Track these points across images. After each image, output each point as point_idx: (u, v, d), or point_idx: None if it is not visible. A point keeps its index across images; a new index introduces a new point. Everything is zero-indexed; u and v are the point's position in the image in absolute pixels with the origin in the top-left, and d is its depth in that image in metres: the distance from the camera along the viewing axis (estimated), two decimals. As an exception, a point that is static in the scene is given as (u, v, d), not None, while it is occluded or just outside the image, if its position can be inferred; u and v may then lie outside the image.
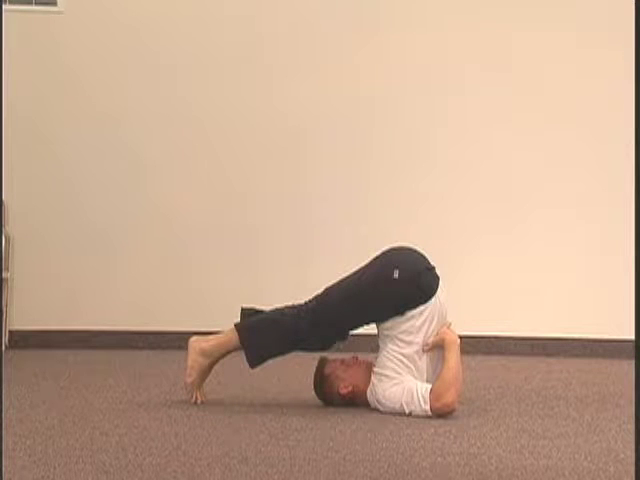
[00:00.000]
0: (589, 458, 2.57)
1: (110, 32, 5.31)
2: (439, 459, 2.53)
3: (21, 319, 5.24)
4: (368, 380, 3.30)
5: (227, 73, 5.33)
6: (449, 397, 3.15)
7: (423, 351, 3.24)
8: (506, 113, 5.28)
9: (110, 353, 5.08)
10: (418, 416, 3.16)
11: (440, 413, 3.16)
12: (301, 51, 5.31)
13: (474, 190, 5.29)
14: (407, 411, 3.18)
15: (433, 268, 3.34)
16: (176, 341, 5.02)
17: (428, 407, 3.15)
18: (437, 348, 3.26)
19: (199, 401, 3.37)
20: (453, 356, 3.22)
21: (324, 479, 2.28)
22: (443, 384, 3.17)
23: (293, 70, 5.30)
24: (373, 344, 3.37)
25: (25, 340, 5.20)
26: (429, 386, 3.19)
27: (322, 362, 3.40)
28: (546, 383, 4.09)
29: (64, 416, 3.10)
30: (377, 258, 3.38)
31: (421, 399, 3.16)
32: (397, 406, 3.19)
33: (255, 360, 3.37)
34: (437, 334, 3.26)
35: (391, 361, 3.24)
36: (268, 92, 5.31)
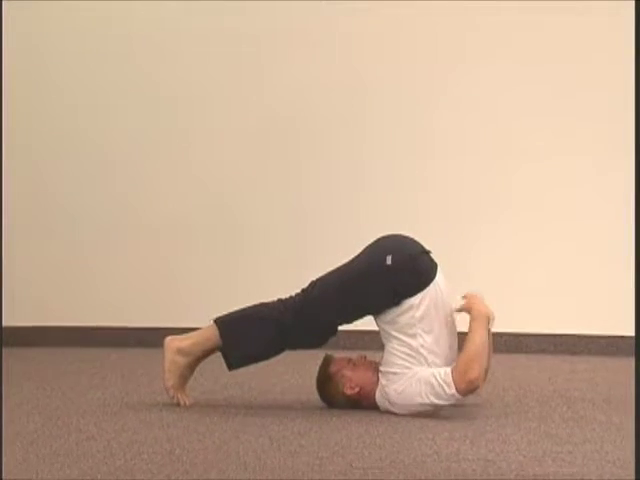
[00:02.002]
0: (617, 464, 2.57)
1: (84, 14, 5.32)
2: (454, 465, 2.53)
3: (-1, 315, 5.24)
4: (376, 381, 3.30)
5: (216, 59, 5.31)
6: (472, 373, 3.11)
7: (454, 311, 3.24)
8: (513, 92, 5.25)
9: (97, 351, 5.09)
10: (444, 407, 3.16)
11: (467, 393, 3.15)
12: (294, 34, 5.29)
13: (480, 179, 5.27)
14: (430, 403, 3.15)
15: (429, 252, 3.34)
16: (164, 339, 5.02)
17: (454, 390, 3.12)
18: (453, 333, 3.25)
19: (187, 403, 3.35)
20: (479, 329, 3.20)
21: (329, 487, 2.29)
22: (465, 359, 3.14)
23: (284, 56, 5.29)
24: (380, 342, 3.37)
25: (4, 338, 5.21)
26: (448, 368, 3.17)
27: (327, 360, 3.39)
28: (570, 384, 4.09)
29: (47, 419, 3.11)
30: (368, 246, 3.39)
31: (443, 384, 3.14)
32: (416, 401, 3.17)
33: (235, 359, 3.34)
34: (466, 300, 3.26)
35: (398, 357, 3.23)
36: (258, 80, 5.29)
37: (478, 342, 3.19)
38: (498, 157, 5.27)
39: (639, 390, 3.18)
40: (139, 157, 5.37)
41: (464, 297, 3.32)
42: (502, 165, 5.27)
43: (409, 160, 5.30)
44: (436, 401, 3.16)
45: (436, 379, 3.15)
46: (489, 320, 3.26)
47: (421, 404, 3.18)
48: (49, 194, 5.39)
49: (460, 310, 3.28)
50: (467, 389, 3.14)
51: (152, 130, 5.37)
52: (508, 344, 5.21)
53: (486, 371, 3.25)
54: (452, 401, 3.17)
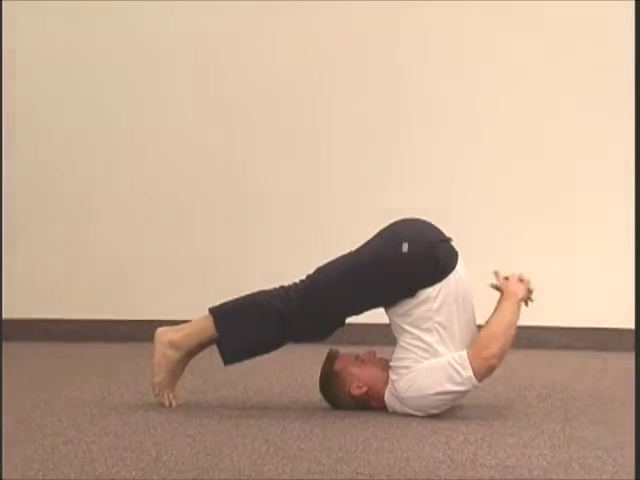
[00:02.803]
0: (651, 472, 2.57)
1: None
2: (470, 473, 2.53)
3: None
4: (385, 380, 3.30)
5: (208, 22, 5.32)
6: (490, 350, 3.16)
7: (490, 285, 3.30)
8: (535, 76, 5.29)
9: (75, 346, 5.09)
10: (460, 399, 3.17)
11: (484, 374, 3.17)
12: (290, 3, 5.30)
13: (503, 159, 5.31)
14: (444, 391, 3.16)
15: (449, 240, 3.33)
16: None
17: (470, 372, 3.14)
18: (472, 328, 3.27)
19: (173, 404, 3.36)
20: (507, 310, 3.25)
21: (332, 496, 2.29)
22: (485, 335, 3.19)
23: (293, 20, 5.30)
24: (391, 336, 3.37)
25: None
26: (463, 351, 3.19)
27: (331, 356, 3.39)
28: (599, 382, 4.09)
29: (20, 421, 3.11)
30: (381, 231, 3.38)
31: (457, 366, 3.15)
32: (429, 392, 3.17)
33: (232, 353, 3.34)
34: (501, 278, 3.32)
35: (411, 352, 3.23)
36: (256, 47, 5.31)
37: (503, 322, 3.23)
38: (514, 148, 5.33)
39: (638, 388, 3.19)
40: (126, 135, 5.38)
41: (496, 273, 3.36)
42: (522, 155, 5.32)
43: (428, 134, 5.32)
44: (451, 387, 3.16)
45: (449, 363, 3.17)
46: (518, 299, 3.30)
47: (434, 395, 3.19)
48: (27, 177, 5.38)
49: (493, 287, 3.32)
50: (483, 367, 3.17)
51: (139, 104, 5.37)
52: (530, 338, 5.21)
53: (503, 355, 3.25)
54: (468, 386, 3.18)
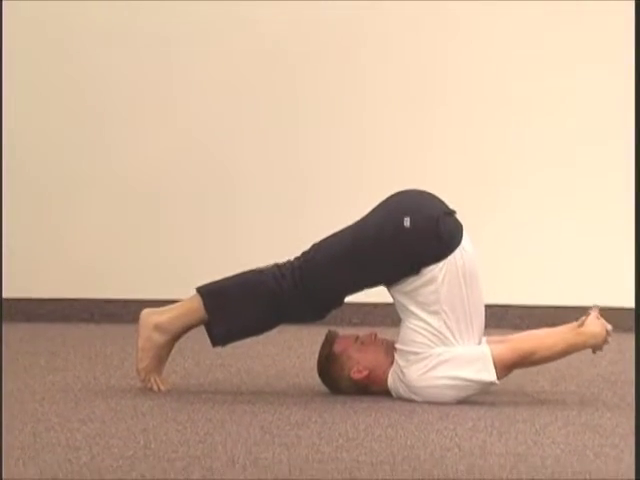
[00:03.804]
0: (671, 460, 2.58)
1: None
2: (478, 461, 2.54)
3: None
4: (388, 364, 3.31)
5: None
6: (519, 366, 3.26)
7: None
8: (532, 49, 5.32)
9: (58, 327, 5.10)
10: (473, 390, 3.20)
11: (501, 378, 3.24)
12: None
13: (497, 142, 5.35)
14: (467, 377, 3.18)
15: (453, 212, 3.33)
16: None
17: (494, 377, 3.19)
18: (481, 308, 3.28)
19: (162, 389, 3.36)
20: (562, 344, 3.24)
21: (332, 486, 2.30)
22: (527, 349, 3.23)
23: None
24: (396, 317, 3.37)
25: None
26: (486, 349, 3.21)
27: (330, 338, 3.39)
28: (616, 366, 4.10)
29: None
30: (381, 204, 3.37)
31: (481, 367, 3.18)
32: (441, 383, 3.19)
33: (222, 335, 3.33)
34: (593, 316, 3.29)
35: (419, 334, 3.23)
36: (252, 22, 5.32)
37: (542, 354, 3.25)
38: (508, 124, 5.38)
39: (638, 381, 3.21)
40: (111, 119, 5.39)
41: (595, 308, 3.32)
42: (521, 138, 5.36)
43: (417, 115, 5.35)
44: (469, 376, 3.18)
45: (472, 359, 3.19)
46: (585, 346, 3.28)
47: (448, 385, 3.20)
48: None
49: (578, 323, 3.29)
50: (504, 374, 3.25)
51: (130, 78, 5.38)
52: (543, 318, 5.22)
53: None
54: (486, 387, 3.22)
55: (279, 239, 5.09)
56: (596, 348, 3.30)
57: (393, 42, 5.34)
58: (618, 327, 5.21)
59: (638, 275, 3.52)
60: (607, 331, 3.28)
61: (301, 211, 5.33)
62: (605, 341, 3.29)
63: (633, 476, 2.42)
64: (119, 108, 5.41)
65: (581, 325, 3.27)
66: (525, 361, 3.26)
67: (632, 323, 5.22)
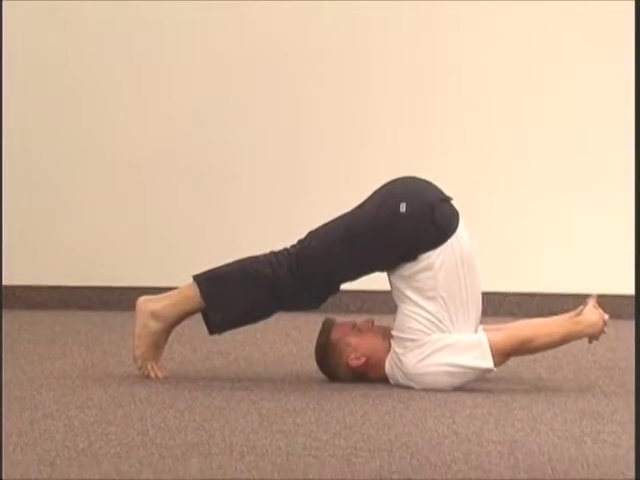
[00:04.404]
0: (669, 447, 2.58)
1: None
2: (475, 448, 2.55)
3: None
4: (386, 350, 3.31)
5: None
6: (515, 353, 3.28)
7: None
8: (532, 40, 5.34)
9: (56, 314, 5.10)
10: (476, 378, 3.20)
11: (498, 365, 3.25)
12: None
13: (496, 128, 5.37)
14: (464, 364, 3.19)
15: (449, 199, 3.33)
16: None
17: (491, 364, 3.19)
18: (478, 294, 3.29)
19: (159, 376, 3.37)
20: (559, 333, 3.25)
21: (329, 473, 2.30)
22: (525, 337, 3.24)
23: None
24: (394, 304, 3.38)
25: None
26: (483, 337, 3.21)
27: (328, 325, 3.40)
28: (614, 353, 4.11)
29: (-3, 394, 3.12)
30: (377, 191, 3.38)
31: (479, 354, 3.19)
32: (439, 370, 3.20)
33: (218, 322, 3.34)
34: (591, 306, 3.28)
35: (415, 321, 3.24)
36: (251, 4, 5.31)
37: (539, 342, 3.26)
38: (504, 112, 5.38)
39: (638, 369, 3.21)
40: (107, 104, 5.40)
41: (594, 297, 3.32)
42: (521, 123, 5.37)
43: (415, 102, 5.36)
44: (466, 363, 3.19)
45: (469, 346, 3.20)
46: (582, 335, 3.28)
47: (445, 372, 3.21)
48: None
49: (576, 312, 3.29)
50: (501, 362, 3.27)
51: (126, 63, 5.38)
52: (540, 306, 5.24)
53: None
54: (483, 374, 3.22)
55: (276, 227, 5.10)
56: (593, 337, 3.30)
57: (392, 32, 5.34)
58: (615, 314, 5.23)
59: (638, 262, 3.52)
60: (604, 321, 3.28)
61: (298, 199, 5.33)
62: (602, 331, 3.29)
63: (630, 462, 2.43)
64: (116, 95, 5.41)
65: (579, 314, 3.27)
66: (522, 349, 3.27)
67: (630, 310, 5.24)
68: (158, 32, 5.38)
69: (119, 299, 5.27)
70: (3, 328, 4.56)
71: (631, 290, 5.26)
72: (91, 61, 5.39)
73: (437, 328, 3.23)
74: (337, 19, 5.33)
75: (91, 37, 5.39)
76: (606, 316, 3.29)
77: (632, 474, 2.33)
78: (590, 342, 3.33)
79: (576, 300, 5.17)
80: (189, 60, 5.38)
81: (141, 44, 5.39)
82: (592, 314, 3.28)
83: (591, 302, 3.31)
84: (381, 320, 3.45)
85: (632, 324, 4.93)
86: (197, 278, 3.35)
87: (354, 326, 3.38)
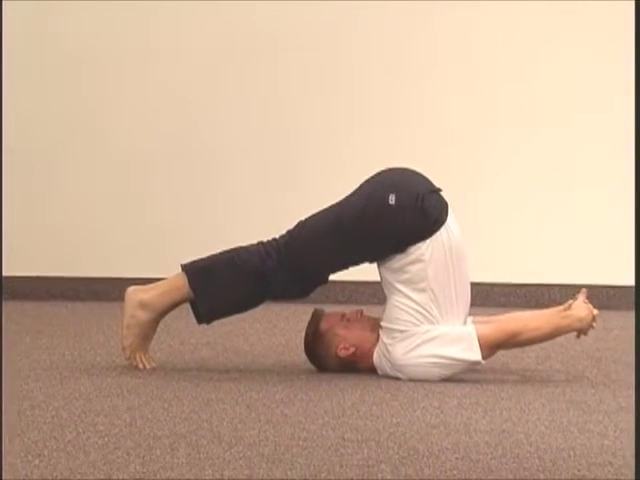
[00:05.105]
0: (655, 437, 2.59)
1: None
2: (463, 438, 2.55)
3: None
4: (374, 341, 3.32)
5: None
6: (502, 347, 3.28)
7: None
8: (521, 28, 5.34)
9: (43, 305, 5.09)
10: (458, 368, 3.21)
11: (486, 358, 3.26)
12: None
13: (487, 117, 5.36)
14: (452, 356, 3.20)
15: (439, 190, 3.34)
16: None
17: (479, 356, 3.20)
18: (467, 286, 3.29)
19: (147, 367, 3.37)
20: (546, 327, 3.25)
21: (318, 463, 2.30)
22: (512, 330, 3.24)
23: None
24: (383, 295, 3.38)
25: None
26: (472, 330, 3.22)
27: (317, 315, 3.40)
28: (601, 343, 4.12)
29: (-15, 385, 3.11)
30: (366, 182, 3.38)
31: (466, 347, 3.19)
32: (428, 361, 3.21)
33: (206, 312, 3.35)
34: (580, 300, 3.29)
35: (404, 312, 3.24)
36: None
37: (527, 335, 3.26)
38: (493, 105, 5.39)
39: (639, 361, 3.22)
40: (97, 94, 5.39)
41: (584, 292, 3.33)
42: (509, 104, 5.38)
43: (406, 93, 5.36)
44: (454, 355, 3.19)
45: (457, 338, 3.21)
46: (570, 330, 3.29)
47: (433, 364, 3.21)
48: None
49: (565, 307, 3.30)
50: (489, 355, 3.27)
51: (116, 47, 5.37)
52: (528, 296, 5.25)
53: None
54: (471, 366, 3.23)
55: (265, 217, 5.09)
56: (581, 332, 3.31)
57: (382, 25, 5.33)
58: (602, 305, 5.27)
59: (638, 253, 3.52)
60: (593, 315, 3.29)
61: (287, 189, 5.33)
62: (591, 325, 3.30)
63: (618, 451, 2.44)
64: (105, 86, 5.40)
65: (567, 308, 3.28)
66: (510, 341, 3.28)
67: (617, 301, 5.26)
68: (142, 12, 5.35)
69: (106, 290, 5.26)
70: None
71: (618, 281, 5.30)
72: (80, 48, 5.37)
73: (426, 319, 3.23)
74: (327, 9, 5.32)
75: (79, 25, 5.37)
76: (595, 311, 3.30)
77: (618, 462, 2.34)
78: (578, 337, 3.34)
79: (563, 290, 5.21)
80: (178, 48, 5.37)
81: (129, 32, 5.36)
82: (581, 309, 3.28)
83: (581, 297, 3.31)
84: (370, 311, 3.45)
85: (619, 315, 4.96)
86: (185, 268, 3.35)
87: (343, 317, 3.38)
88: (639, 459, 2.27)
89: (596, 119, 5.30)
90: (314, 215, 3.36)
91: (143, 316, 3.34)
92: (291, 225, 3.37)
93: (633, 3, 4.50)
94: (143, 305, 3.34)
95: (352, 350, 3.33)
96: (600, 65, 5.26)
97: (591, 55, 5.28)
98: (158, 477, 2.18)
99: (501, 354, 3.48)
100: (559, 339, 3.42)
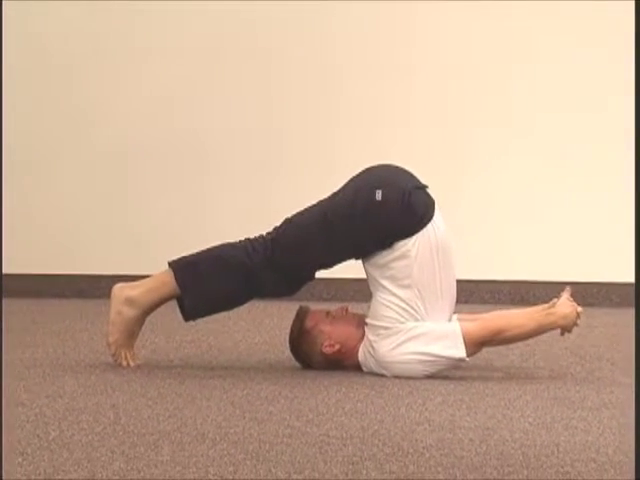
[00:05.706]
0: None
1: None
2: (448, 435, 2.56)
3: None
4: (360, 338, 3.32)
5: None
6: (488, 344, 3.28)
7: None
8: (512, 20, 5.34)
9: (27, 302, 5.07)
10: (443, 365, 3.21)
11: (470, 355, 3.26)
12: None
13: (477, 108, 5.36)
14: (436, 353, 3.20)
15: (425, 187, 3.34)
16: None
17: (464, 353, 3.20)
18: (453, 283, 3.30)
19: (132, 364, 3.36)
20: (531, 324, 3.26)
21: (302, 460, 2.30)
22: (497, 327, 3.25)
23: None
24: (368, 292, 3.38)
25: None
26: (457, 327, 3.22)
27: (302, 312, 3.40)
28: (585, 340, 4.13)
29: (-32, 382, 3.10)
30: (353, 178, 3.38)
31: (451, 344, 3.20)
32: (413, 358, 3.21)
33: (193, 308, 3.35)
34: (565, 299, 3.29)
35: (389, 309, 3.25)
36: None
37: (512, 332, 3.27)
38: (495, 88, 5.36)
39: (638, 359, 3.23)
40: (85, 90, 5.38)
41: (568, 290, 3.34)
42: (499, 96, 5.36)
43: (393, 88, 5.36)
44: (438, 352, 3.20)
45: (442, 335, 3.21)
46: (554, 327, 3.30)
47: (418, 361, 3.22)
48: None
49: (550, 304, 3.30)
50: (474, 352, 3.27)
51: (105, 46, 5.37)
52: (512, 293, 5.26)
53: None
54: (456, 363, 3.23)
55: (251, 214, 5.09)
56: (565, 329, 3.32)
57: (369, 19, 5.32)
58: (586, 302, 5.29)
59: (638, 250, 3.53)
60: (577, 313, 3.30)
61: (274, 186, 5.33)
62: (575, 323, 3.31)
63: (602, 447, 2.45)
64: (93, 84, 5.38)
65: (552, 306, 3.28)
66: (494, 339, 3.28)
67: (600, 298, 5.27)
68: (139, 21, 5.35)
69: (91, 287, 5.25)
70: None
71: (602, 278, 5.31)
72: (68, 46, 5.36)
73: (411, 316, 3.24)
74: (315, 9, 5.31)
75: (74, 25, 5.35)
76: (579, 308, 3.31)
77: (602, 459, 2.35)
78: (562, 334, 3.35)
79: (547, 287, 5.22)
80: (168, 48, 5.36)
81: (122, 33, 5.35)
82: (565, 306, 3.29)
83: (565, 295, 3.32)
84: (355, 308, 3.45)
85: (603, 312, 4.98)
86: (172, 264, 3.35)
87: (328, 313, 3.38)
88: (639, 459, 2.27)
89: (586, 117, 5.29)
90: (301, 212, 3.36)
91: (129, 312, 3.34)
92: (278, 221, 3.37)
93: (633, 3, 4.50)
94: (129, 301, 3.34)
95: (337, 347, 3.33)
96: (598, 64, 5.25)
97: (587, 53, 5.27)
98: (142, 475, 2.17)
99: (486, 351, 3.48)
100: (543, 336, 3.43)
